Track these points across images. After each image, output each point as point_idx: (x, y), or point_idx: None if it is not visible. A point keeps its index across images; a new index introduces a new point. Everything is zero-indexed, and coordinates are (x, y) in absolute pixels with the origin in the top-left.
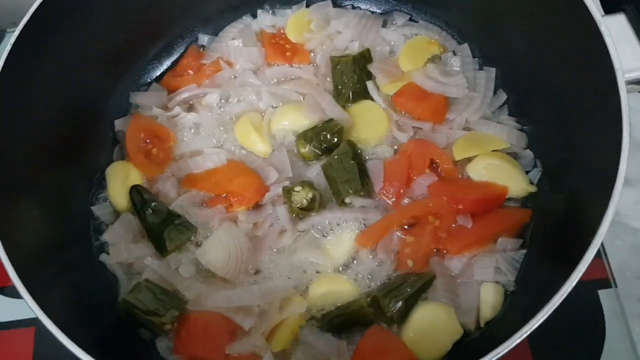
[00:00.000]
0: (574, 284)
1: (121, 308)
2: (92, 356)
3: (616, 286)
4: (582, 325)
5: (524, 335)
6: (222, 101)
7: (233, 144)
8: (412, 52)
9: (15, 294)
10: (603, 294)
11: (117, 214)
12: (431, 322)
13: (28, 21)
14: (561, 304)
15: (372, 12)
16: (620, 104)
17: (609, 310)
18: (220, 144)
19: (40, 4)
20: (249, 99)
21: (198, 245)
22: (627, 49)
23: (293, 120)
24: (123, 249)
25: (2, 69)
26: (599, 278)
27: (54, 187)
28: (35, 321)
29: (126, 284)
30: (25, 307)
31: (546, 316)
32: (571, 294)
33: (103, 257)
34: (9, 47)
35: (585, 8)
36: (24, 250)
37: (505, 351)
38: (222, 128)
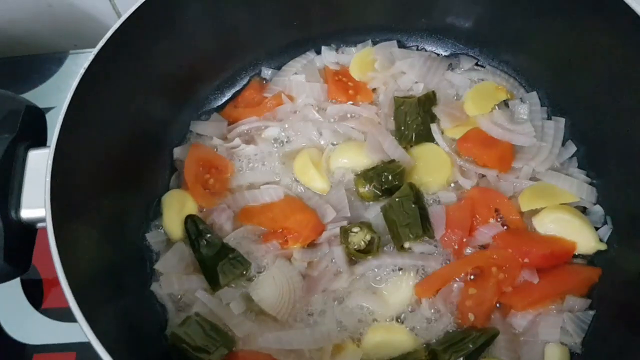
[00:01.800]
0: None
1: (170, 342)
2: None
3: None
4: None
5: None
6: (283, 134)
7: (291, 179)
8: (478, 97)
9: (58, 317)
10: None
11: (170, 243)
12: None
13: (103, 46)
14: None
15: (438, 55)
16: None
17: None
18: (278, 178)
19: (115, 30)
20: (309, 135)
21: (250, 281)
22: None
23: (353, 159)
24: (174, 279)
25: (75, 91)
26: None
27: (112, 211)
28: (76, 346)
29: (175, 316)
30: (66, 330)
31: None
32: None
33: (154, 286)
34: (82, 70)
35: None
36: (80, 273)
37: None
38: (280, 162)
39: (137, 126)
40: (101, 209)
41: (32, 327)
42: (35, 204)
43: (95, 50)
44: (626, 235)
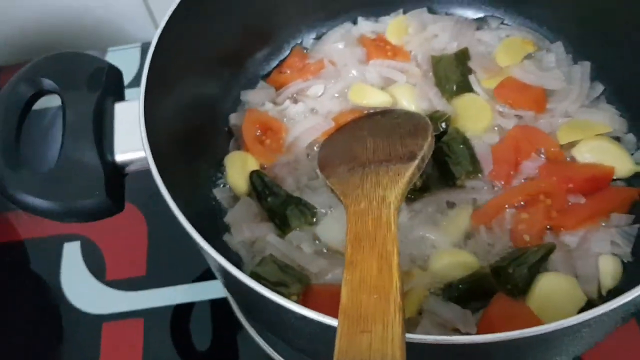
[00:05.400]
0: None
1: None
2: None
3: None
4: None
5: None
6: (328, 90)
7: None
8: (508, 49)
9: (122, 287)
10: None
11: (236, 198)
12: (555, 290)
13: (166, 25)
14: None
15: (466, 18)
16: None
17: None
18: (332, 115)
19: (176, 8)
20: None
21: (314, 224)
22: None
23: (404, 101)
24: (244, 227)
25: (151, 63)
26: None
27: (184, 172)
28: (143, 312)
29: (250, 261)
30: (132, 299)
31: None
32: None
33: (226, 237)
34: (150, 55)
35: None
36: None
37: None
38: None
39: (198, 97)
40: (177, 168)
41: (97, 299)
42: (126, 149)
43: (156, 35)
44: None
